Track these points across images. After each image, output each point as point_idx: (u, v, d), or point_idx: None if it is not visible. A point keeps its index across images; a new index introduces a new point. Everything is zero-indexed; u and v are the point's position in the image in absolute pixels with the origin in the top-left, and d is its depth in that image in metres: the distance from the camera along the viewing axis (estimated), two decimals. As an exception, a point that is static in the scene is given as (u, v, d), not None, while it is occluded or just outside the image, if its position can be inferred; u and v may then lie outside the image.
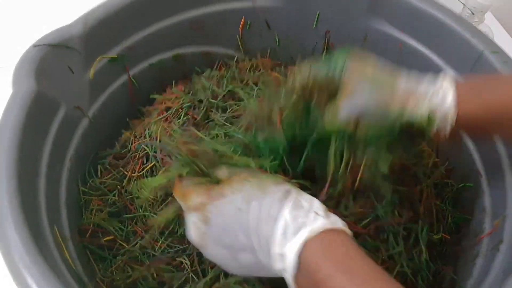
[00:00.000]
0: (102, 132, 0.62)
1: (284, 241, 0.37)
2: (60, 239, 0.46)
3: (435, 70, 0.60)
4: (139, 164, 0.58)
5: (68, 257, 0.46)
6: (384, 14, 0.64)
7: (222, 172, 0.44)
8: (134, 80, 0.65)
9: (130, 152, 0.60)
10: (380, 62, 0.48)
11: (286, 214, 0.38)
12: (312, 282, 0.36)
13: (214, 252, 0.43)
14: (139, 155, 0.58)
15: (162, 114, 0.62)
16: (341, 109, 0.45)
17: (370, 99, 0.45)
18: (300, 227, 0.37)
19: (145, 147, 0.58)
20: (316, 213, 0.38)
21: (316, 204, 0.39)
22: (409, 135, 0.47)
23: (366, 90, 0.45)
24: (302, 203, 0.39)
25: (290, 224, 0.37)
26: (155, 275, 0.51)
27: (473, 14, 0.81)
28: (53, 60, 0.53)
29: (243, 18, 0.70)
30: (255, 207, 0.39)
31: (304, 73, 0.48)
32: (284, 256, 0.37)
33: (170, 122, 0.60)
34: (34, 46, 0.52)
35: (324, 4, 0.67)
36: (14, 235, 0.39)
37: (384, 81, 0.46)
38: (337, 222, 0.38)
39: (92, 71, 0.58)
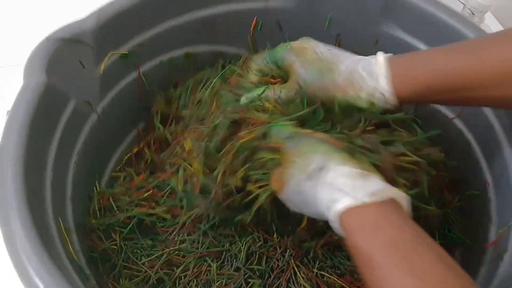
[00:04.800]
0: (110, 128, 0.62)
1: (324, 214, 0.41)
2: (64, 231, 0.47)
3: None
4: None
5: (71, 249, 0.47)
6: (395, 18, 0.63)
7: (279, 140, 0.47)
8: (144, 77, 0.65)
9: None
10: (321, 46, 0.52)
11: (318, 196, 0.41)
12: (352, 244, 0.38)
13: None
14: None
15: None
16: (290, 93, 0.50)
17: (314, 85, 0.49)
18: (330, 207, 0.39)
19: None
20: (342, 190, 0.39)
21: (348, 176, 0.40)
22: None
23: (308, 74, 0.50)
24: (331, 179, 0.41)
25: (323, 197, 0.40)
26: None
27: (473, 14, 0.80)
28: (64, 54, 0.53)
29: (255, 19, 0.70)
30: (301, 188, 0.42)
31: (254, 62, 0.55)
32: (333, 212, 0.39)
33: None
34: (46, 39, 0.52)
35: (336, 7, 0.67)
36: (18, 225, 0.39)
37: (324, 66, 0.50)
38: (404, 199, 0.39)
39: (102, 66, 0.58)
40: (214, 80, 0.65)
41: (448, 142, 0.63)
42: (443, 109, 0.63)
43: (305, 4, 0.68)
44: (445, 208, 0.58)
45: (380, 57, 0.49)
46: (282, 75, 0.55)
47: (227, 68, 0.69)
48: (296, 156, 0.43)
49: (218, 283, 0.52)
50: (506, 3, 0.99)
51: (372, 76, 0.48)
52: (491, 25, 0.90)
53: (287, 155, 0.44)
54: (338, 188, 0.39)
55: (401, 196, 0.39)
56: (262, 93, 0.52)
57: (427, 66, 0.47)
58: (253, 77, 0.56)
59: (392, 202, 0.39)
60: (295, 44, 0.53)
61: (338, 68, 0.50)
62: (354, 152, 0.44)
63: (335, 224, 0.40)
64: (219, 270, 0.53)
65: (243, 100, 0.53)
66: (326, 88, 0.49)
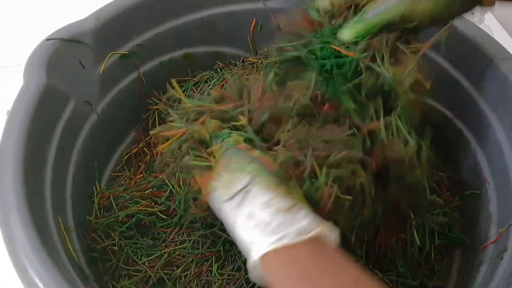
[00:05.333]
0: (110, 128, 0.62)
1: (247, 253, 0.37)
2: (64, 230, 0.47)
3: (444, 76, 0.60)
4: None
5: (70, 248, 0.47)
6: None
7: (216, 149, 0.43)
8: (143, 78, 0.66)
9: None
10: None
11: (239, 226, 0.37)
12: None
13: None
14: None
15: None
16: (368, 12, 0.47)
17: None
18: (250, 247, 0.36)
19: None
20: (263, 229, 0.35)
21: (269, 210, 0.36)
22: None
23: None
24: (254, 210, 0.37)
25: (243, 238, 0.37)
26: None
27: (473, 14, 0.80)
28: (64, 54, 0.54)
29: (254, 20, 0.70)
30: (226, 211, 0.39)
31: None
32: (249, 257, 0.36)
33: None
34: (47, 39, 0.53)
35: (335, 7, 0.67)
36: (18, 225, 0.40)
37: None
38: (289, 234, 0.34)
39: (102, 67, 0.58)
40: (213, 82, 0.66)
41: (448, 142, 0.63)
42: (443, 109, 0.63)
43: (304, 5, 0.68)
44: (445, 207, 0.58)
45: None
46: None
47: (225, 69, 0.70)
48: (224, 170, 0.40)
49: (218, 283, 0.51)
50: (506, 3, 0.99)
51: None
52: (491, 25, 0.90)
53: (218, 165, 0.41)
54: (257, 224, 0.36)
55: (329, 230, 0.36)
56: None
57: None
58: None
59: (318, 240, 0.35)
60: None
61: None
62: (285, 177, 0.40)
63: (255, 272, 0.36)
64: (220, 270, 0.53)
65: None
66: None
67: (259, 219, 0.36)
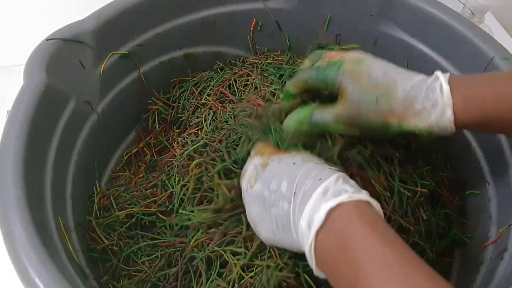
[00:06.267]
0: (111, 128, 0.62)
1: (321, 199, 0.39)
2: (64, 230, 0.47)
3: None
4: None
5: (70, 248, 0.47)
6: (394, 18, 0.63)
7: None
8: (143, 78, 0.66)
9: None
10: (375, 69, 0.47)
11: (332, 179, 0.40)
12: (337, 240, 0.37)
13: (254, 206, 0.45)
14: None
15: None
16: (341, 117, 0.46)
17: (368, 111, 0.45)
18: (340, 192, 0.39)
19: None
20: (358, 188, 0.40)
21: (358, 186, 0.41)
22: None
23: (362, 101, 0.45)
24: (347, 179, 0.41)
25: (332, 187, 0.39)
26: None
27: (473, 14, 0.80)
28: (64, 54, 0.54)
29: (254, 20, 0.70)
30: (308, 166, 0.42)
31: (299, 76, 0.50)
32: (316, 211, 0.38)
33: None
34: (47, 39, 0.53)
35: (335, 7, 0.67)
36: (18, 224, 0.40)
37: (380, 93, 0.45)
38: (374, 202, 0.39)
39: (102, 67, 0.59)
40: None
41: (448, 142, 0.63)
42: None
43: (304, 5, 0.69)
44: (445, 207, 0.58)
45: (445, 85, 0.45)
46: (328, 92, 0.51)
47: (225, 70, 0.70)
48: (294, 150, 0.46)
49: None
50: (506, 3, 0.99)
51: (437, 108, 0.44)
52: (491, 25, 0.90)
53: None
54: (353, 185, 0.40)
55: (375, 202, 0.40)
56: (308, 115, 0.48)
57: (491, 92, 0.44)
58: (294, 89, 0.51)
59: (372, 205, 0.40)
60: (347, 66, 0.47)
61: (395, 93, 0.45)
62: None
63: (318, 219, 0.39)
64: (222, 269, 0.52)
65: (289, 124, 0.49)
66: (381, 114, 0.45)
67: (354, 185, 0.41)
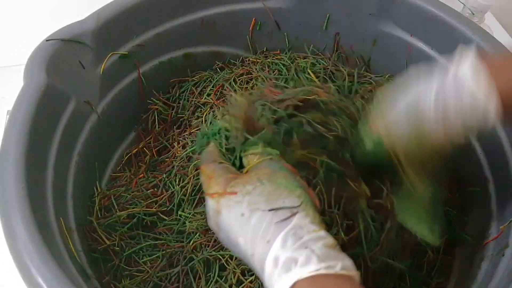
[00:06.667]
0: (111, 128, 0.62)
1: (274, 270, 0.34)
2: (66, 231, 0.47)
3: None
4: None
5: (72, 248, 0.47)
6: (393, 17, 0.64)
7: (251, 158, 0.42)
8: (143, 78, 0.66)
9: None
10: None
11: (278, 241, 0.35)
12: None
13: (225, 240, 0.41)
14: None
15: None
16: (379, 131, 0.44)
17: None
18: (290, 266, 0.33)
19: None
20: (312, 251, 0.34)
21: (318, 239, 0.35)
22: None
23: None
24: (302, 233, 0.35)
25: (281, 255, 0.34)
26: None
27: (473, 14, 0.80)
28: (64, 54, 0.54)
29: (253, 19, 0.70)
30: (256, 220, 0.36)
31: None
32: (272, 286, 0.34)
33: None
34: (47, 40, 0.53)
35: (334, 7, 0.67)
36: (20, 225, 0.39)
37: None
38: (336, 266, 0.33)
39: (102, 67, 0.58)
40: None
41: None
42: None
43: (303, 4, 0.69)
44: (445, 205, 0.58)
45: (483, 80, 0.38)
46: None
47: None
48: (268, 180, 0.38)
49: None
50: (506, 3, 1.00)
51: (479, 114, 0.39)
52: (491, 25, 0.90)
53: (258, 171, 0.39)
54: (305, 245, 0.34)
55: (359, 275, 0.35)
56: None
57: None
58: None
59: (355, 280, 0.34)
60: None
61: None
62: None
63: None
64: (222, 272, 0.52)
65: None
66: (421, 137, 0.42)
67: (308, 243, 0.34)
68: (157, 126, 0.68)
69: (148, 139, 0.67)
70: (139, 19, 0.62)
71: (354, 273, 0.34)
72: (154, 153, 0.65)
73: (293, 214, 0.36)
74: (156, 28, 0.64)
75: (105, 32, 0.57)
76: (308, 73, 0.64)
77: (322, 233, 0.35)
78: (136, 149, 0.66)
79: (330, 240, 0.35)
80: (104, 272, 0.53)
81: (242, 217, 0.37)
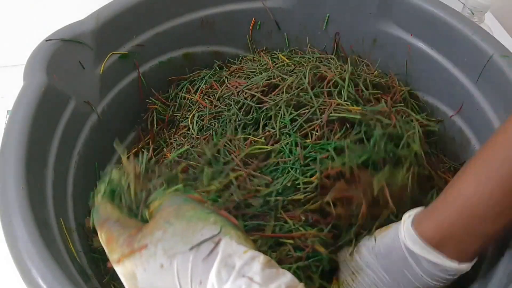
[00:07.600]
0: (111, 128, 0.62)
1: None
2: (66, 231, 0.47)
3: (444, 74, 0.60)
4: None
5: (72, 249, 0.47)
6: (393, 16, 0.64)
7: (152, 204, 0.39)
8: (143, 78, 0.65)
9: None
10: None
11: (213, 279, 0.32)
12: None
13: None
14: None
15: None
16: None
17: None
18: None
19: None
20: (251, 279, 0.31)
21: (252, 260, 0.33)
22: None
23: None
24: (233, 260, 0.32)
25: None
26: None
27: (473, 14, 0.80)
28: (64, 54, 0.54)
29: (253, 19, 0.70)
30: (179, 264, 0.33)
31: None
32: None
33: None
34: (46, 40, 0.53)
35: (333, 6, 0.67)
36: (20, 225, 0.39)
37: None
38: (280, 287, 0.32)
39: (102, 67, 0.58)
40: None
41: (447, 140, 0.63)
42: (443, 107, 0.63)
43: (303, 4, 0.69)
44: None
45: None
46: None
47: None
48: (175, 218, 0.35)
49: None
50: (506, 3, 1.00)
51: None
52: (491, 25, 0.90)
53: (161, 211, 0.36)
54: (244, 275, 0.31)
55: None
56: None
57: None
58: None
59: None
60: None
61: None
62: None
63: None
64: None
65: None
66: None
67: (244, 269, 0.32)
68: (155, 126, 0.68)
69: (147, 139, 0.67)
70: (138, 19, 0.62)
71: (299, 285, 0.33)
72: (152, 154, 0.65)
73: (217, 243, 0.33)
74: (156, 28, 0.64)
75: (105, 32, 0.57)
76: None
77: (253, 252, 0.33)
78: (136, 149, 0.66)
79: (262, 257, 0.33)
80: (104, 272, 0.53)
81: (162, 268, 0.33)
